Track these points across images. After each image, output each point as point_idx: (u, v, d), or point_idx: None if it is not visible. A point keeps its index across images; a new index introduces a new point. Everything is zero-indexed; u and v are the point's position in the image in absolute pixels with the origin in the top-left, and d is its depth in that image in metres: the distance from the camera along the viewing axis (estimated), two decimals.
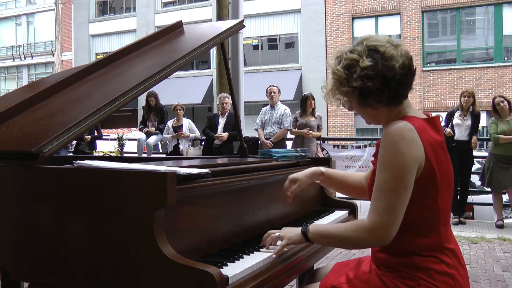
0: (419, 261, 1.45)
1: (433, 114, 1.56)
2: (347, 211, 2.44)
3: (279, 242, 1.60)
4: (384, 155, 1.41)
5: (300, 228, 1.57)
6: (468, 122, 6.14)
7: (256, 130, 6.95)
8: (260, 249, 1.62)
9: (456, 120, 6.18)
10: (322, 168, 1.90)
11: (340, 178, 1.91)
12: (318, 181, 1.93)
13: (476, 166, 7.21)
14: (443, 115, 6.56)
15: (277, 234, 1.60)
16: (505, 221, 6.05)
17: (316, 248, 1.85)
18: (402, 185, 1.38)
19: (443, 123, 6.50)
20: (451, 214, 6.24)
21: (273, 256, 1.56)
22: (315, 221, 2.16)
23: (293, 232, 1.58)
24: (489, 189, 6.36)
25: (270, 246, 1.62)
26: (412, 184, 1.40)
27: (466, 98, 6.13)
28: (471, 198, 6.80)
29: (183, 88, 19.13)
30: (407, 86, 1.48)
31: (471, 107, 6.17)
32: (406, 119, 1.45)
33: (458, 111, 6.23)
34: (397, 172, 1.38)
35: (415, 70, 1.51)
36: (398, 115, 1.49)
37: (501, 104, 6.02)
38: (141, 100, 11.70)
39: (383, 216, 1.39)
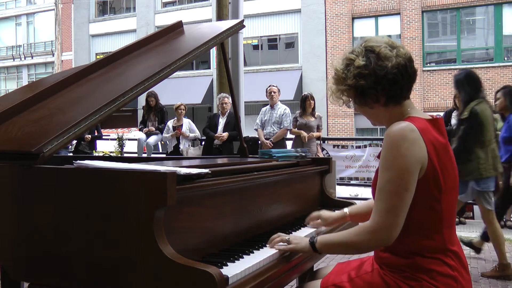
0: (422, 262, 1.45)
1: (434, 115, 1.57)
2: None
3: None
4: (386, 156, 1.42)
5: (309, 238, 1.57)
6: None
7: (256, 130, 6.95)
8: (264, 247, 1.63)
9: (454, 121, 6.17)
10: (346, 210, 1.97)
11: (366, 208, 1.93)
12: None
13: None
14: (442, 115, 6.56)
15: (287, 237, 1.62)
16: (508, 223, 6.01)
17: None
18: (403, 186, 1.38)
19: None
20: None
21: (275, 251, 1.57)
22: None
23: (302, 240, 1.60)
24: None
25: (275, 246, 1.62)
26: (414, 185, 1.40)
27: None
28: None
29: (183, 88, 19.13)
30: (403, 86, 1.48)
31: None
32: (409, 120, 1.46)
33: (454, 111, 6.22)
34: (398, 173, 1.38)
35: (416, 71, 1.51)
36: (401, 115, 1.50)
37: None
38: (141, 100, 11.70)
39: (384, 217, 1.39)
